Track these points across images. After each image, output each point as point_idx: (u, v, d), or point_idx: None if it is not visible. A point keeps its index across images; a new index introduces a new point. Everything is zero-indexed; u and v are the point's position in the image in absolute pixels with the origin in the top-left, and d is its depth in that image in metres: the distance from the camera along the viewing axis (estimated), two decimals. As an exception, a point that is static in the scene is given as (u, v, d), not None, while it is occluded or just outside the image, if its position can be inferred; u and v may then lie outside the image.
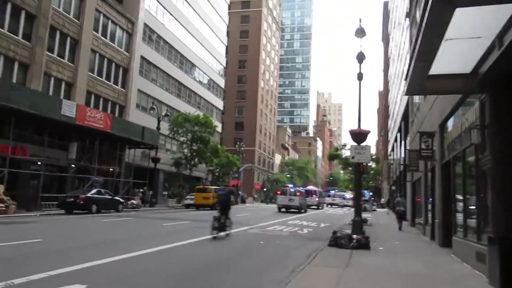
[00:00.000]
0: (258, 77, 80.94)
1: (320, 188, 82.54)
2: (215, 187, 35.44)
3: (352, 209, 52.48)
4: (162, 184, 43.53)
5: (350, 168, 30.41)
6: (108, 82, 33.91)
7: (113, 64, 34.73)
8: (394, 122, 38.33)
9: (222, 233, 13.33)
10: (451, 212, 11.81)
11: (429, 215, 16.99)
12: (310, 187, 51.55)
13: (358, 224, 16.78)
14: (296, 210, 34.71)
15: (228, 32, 68.15)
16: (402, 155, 32.19)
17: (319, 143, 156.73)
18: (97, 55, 32.59)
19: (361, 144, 17.11)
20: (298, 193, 35.86)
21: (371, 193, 62.39)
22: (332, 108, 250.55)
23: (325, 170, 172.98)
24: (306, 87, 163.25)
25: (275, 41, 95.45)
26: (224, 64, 62.78)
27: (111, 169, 31.46)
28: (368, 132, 17.29)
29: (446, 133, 12.80)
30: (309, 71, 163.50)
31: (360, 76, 17.51)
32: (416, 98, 20.68)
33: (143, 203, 34.23)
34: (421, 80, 8.42)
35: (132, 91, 36.87)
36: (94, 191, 24.04)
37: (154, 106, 35.12)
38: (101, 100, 33.16)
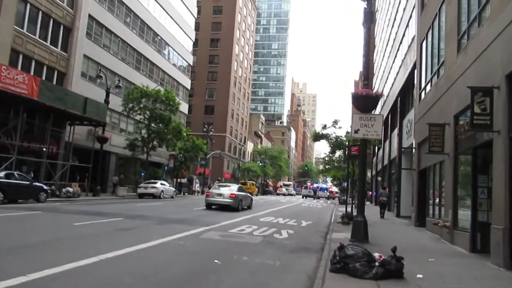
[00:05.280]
0: (231, 57, 74.93)
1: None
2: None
3: (326, 201, 51.54)
4: (117, 170, 37.46)
5: (340, 153, 25.18)
6: (43, 42, 27.43)
7: (51, 20, 28.22)
8: (384, 103, 33.54)
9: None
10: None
11: (460, 215, 12.05)
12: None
13: (362, 227, 11.68)
14: (311, 197, 61.37)
15: (199, 7, 62.09)
16: (395, 140, 27.44)
17: (293, 133, 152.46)
18: (28, 5, 26.08)
19: (371, 113, 12.01)
20: (311, 186, 72.68)
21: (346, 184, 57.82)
22: (306, 99, 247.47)
23: (298, 161, 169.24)
24: (282, 75, 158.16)
25: (250, 21, 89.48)
26: (193, 38, 56.54)
27: (44, 149, 25.33)
28: (381, 95, 12.15)
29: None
30: (285, 58, 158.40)
31: (369, 16, 12.31)
32: (435, 56, 15.66)
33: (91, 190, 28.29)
34: None
35: (76, 56, 30.44)
36: (1, 174, 17.94)
37: (101, 74, 28.82)
38: (33, 62, 26.70)
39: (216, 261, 7.66)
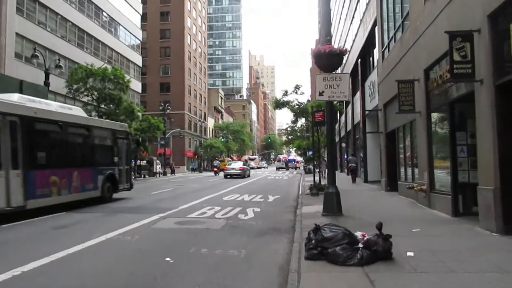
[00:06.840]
0: (183, 31, 71.64)
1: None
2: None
3: (292, 172, 52.39)
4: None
5: (302, 122, 23.99)
6: (-35, 20, 24.35)
7: (-28, -4, 25.06)
8: (343, 68, 32.58)
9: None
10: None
11: (438, 176, 11.20)
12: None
13: (334, 199, 10.63)
14: (284, 169, 66.49)
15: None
16: (358, 104, 26.63)
17: (253, 106, 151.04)
18: None
19: (334, 72, 10.77)
20: (284, 159, 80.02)
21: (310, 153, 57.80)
22: (265, 71, 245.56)
23: (261, 134, 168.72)
24: (238, 48, 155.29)
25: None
26: (141, 11, 53.16)
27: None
28: (345, 51, 10.85)
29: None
30: (240, 30, 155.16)
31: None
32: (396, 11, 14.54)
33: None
34: None
35: (6, 36, 27.41)
36: None
37: (37, 53, 25.96)
38: (-45, 44, 23.72)
39: (167, 259, 6.27)
